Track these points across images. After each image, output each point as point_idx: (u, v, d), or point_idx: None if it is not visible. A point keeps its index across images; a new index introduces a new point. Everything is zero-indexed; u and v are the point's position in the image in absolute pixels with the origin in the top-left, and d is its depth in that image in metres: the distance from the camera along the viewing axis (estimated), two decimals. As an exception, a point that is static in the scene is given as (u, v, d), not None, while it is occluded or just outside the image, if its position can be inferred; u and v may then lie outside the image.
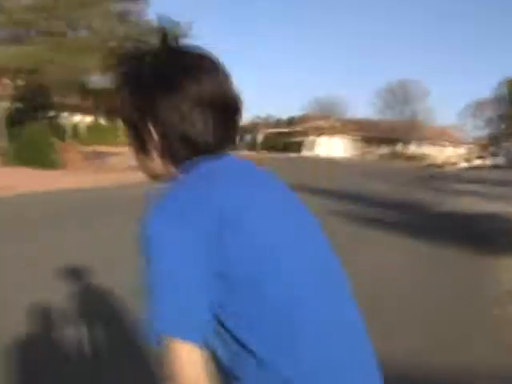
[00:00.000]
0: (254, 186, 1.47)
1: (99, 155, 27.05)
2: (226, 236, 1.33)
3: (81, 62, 23.91)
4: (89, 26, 25.20)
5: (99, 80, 27.85)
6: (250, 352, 1.37)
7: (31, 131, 23.22)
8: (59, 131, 28.23)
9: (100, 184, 19.17)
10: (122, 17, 26.40)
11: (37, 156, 21.42)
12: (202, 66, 1.47)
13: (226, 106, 1.49)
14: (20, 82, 28.23)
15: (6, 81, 27.11)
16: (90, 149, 28.91)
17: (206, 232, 1.33)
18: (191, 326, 1.33)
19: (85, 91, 27.89)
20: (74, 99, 31.71)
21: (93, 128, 43.44)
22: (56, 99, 30.08)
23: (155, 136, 1.45)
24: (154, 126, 1.45)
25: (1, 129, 26.74)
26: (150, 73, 1.46)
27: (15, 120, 26.61)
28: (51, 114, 31.24)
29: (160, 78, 1.45)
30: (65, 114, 36.23)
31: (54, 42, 23.92)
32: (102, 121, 43.96)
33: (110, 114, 35.07)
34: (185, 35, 27.23)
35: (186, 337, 1.32)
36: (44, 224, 10.87)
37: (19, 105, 29.54)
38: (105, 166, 25.37)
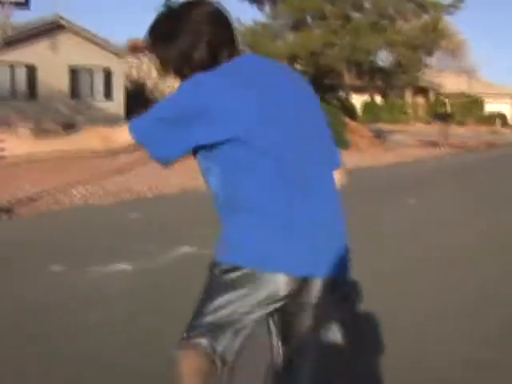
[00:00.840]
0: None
1: (380, 133, 26.78)
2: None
3: (366, 42, 23.85)
4: (374, 5, 24.90)
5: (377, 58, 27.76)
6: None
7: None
8: (346, 111, 28.35)
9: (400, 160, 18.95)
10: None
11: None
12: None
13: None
14: (299, 67, 28.87)
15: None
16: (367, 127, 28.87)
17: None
18: (147, 137, 2.18)
19: (360, 71, 27.81)
20: (348, 79, 31.81)
21: (368, 107, 43.37)
22: (337, 81, 30.51)
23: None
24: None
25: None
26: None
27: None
28: (339, 94, 31.89)
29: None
30: (342, 94, 36.55)
31: (337, 24, 24.09)
32: (378, 99, 43.89)
33: (386, 92, 34.86)
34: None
35: (136, 138, 2.18)
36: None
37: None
38: (390, 144, 25.07)
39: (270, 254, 2.17)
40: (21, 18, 35.92)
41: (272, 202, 2.17)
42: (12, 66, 25.18)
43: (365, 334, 4.45)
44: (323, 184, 2.32)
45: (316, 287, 2.27)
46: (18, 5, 9.12)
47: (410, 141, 27.15)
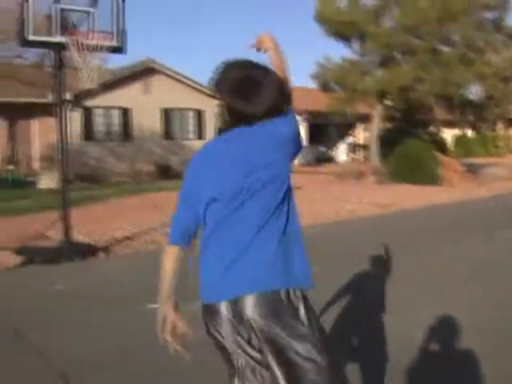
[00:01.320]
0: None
1: (473, 167, 26.21)
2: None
3: (455, 76, 23.53)
4: (463, 37, 24.53)
5: (468, 92, 27.30)
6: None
7: (412, 147, 23.16)
8: (437, 146, 27.91)
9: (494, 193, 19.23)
10: (482, 25, 25.31)
11: (417, 173, 21.47)
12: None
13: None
14: (388, 103, 28.70)
15: (375, 103, 27.49)
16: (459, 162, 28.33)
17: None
18: (174, 235, 2.89)
19: (451, 105, 27.36)
20: (439, 113, 31.41)
21: (459, 140, 42.56)
22: (428, 116, 30.20)
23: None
24: None
25: (373, 149, 27.46)
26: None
27: (384, 139, 27.24)
28: (429, 129, 31.52)
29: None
30: (432, 129, 36.04)
31: (426, 59, 23.85)
32: (469, 133, 43.01)
33: (477, 125, 34.23)
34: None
35: (171, 242, 2.87)
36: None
37: (387, 124, 30.30)
38: (483, 178, 24.50)
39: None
40: (113, 62, 37.11)
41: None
42: (107, 109, 26.15)
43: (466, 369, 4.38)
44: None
45: (244, 307, 2.49)
46: (114, 50, 9.53)
47: (504, 174, 26.46)
